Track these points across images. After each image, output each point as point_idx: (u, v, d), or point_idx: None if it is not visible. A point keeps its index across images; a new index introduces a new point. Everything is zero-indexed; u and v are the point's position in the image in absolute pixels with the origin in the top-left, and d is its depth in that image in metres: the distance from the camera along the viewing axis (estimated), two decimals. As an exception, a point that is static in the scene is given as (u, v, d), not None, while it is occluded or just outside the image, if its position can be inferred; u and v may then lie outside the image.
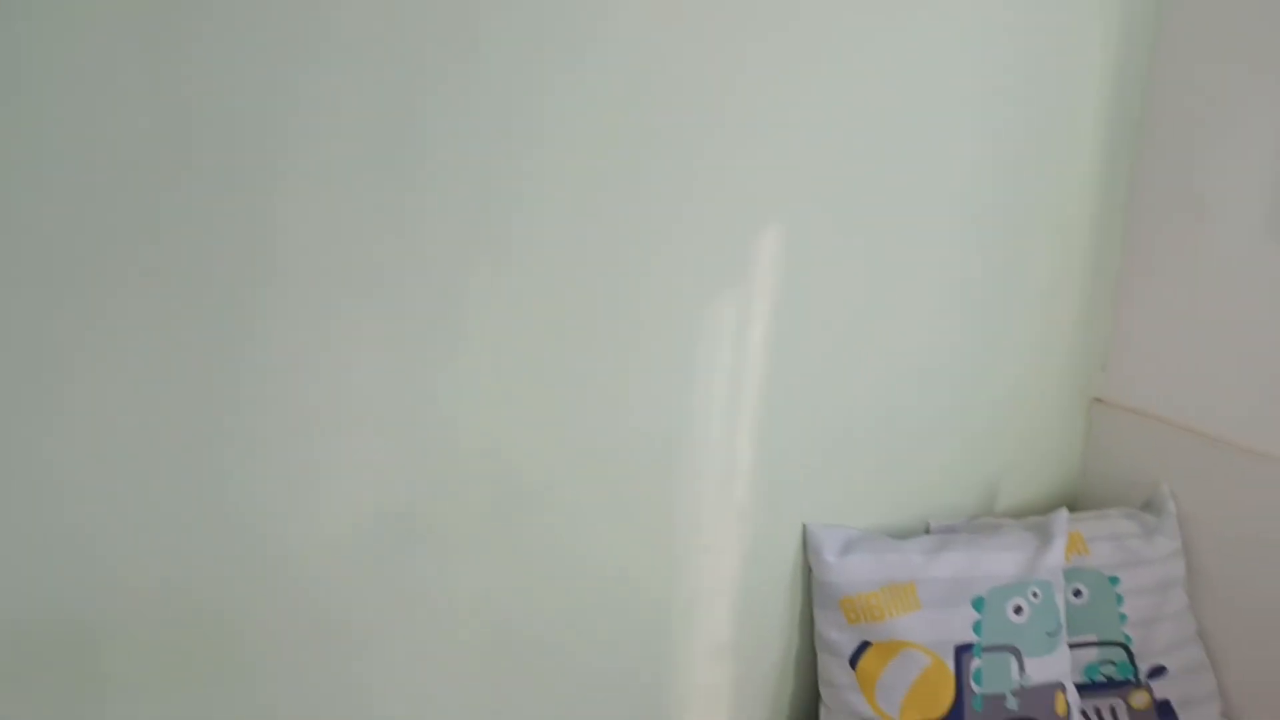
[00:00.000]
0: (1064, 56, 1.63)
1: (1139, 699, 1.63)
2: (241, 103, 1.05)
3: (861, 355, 1.56)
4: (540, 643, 1.39)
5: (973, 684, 1.50)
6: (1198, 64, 1.67)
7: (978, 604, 1.53)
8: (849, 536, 1.57)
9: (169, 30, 1.01)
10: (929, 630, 1.51)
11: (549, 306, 1.28)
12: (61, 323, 1.03)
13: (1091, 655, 1.63)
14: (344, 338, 1.17)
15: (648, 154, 1.29)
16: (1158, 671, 1.64)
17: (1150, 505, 1.75)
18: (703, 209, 1.36)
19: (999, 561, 1.55)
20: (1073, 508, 1.79)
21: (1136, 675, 1.63)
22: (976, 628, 1.52)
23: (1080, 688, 1.62)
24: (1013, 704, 1.51)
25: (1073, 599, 1.63)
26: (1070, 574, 1.63)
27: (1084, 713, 1.61)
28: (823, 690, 1.57)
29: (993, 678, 1.51)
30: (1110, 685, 1.63)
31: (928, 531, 1.67)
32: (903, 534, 1.63)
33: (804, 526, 1.56)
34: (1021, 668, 1.52)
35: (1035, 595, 1.55)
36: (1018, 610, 1.54)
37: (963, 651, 1.51)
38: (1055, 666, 1.54)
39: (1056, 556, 1.57)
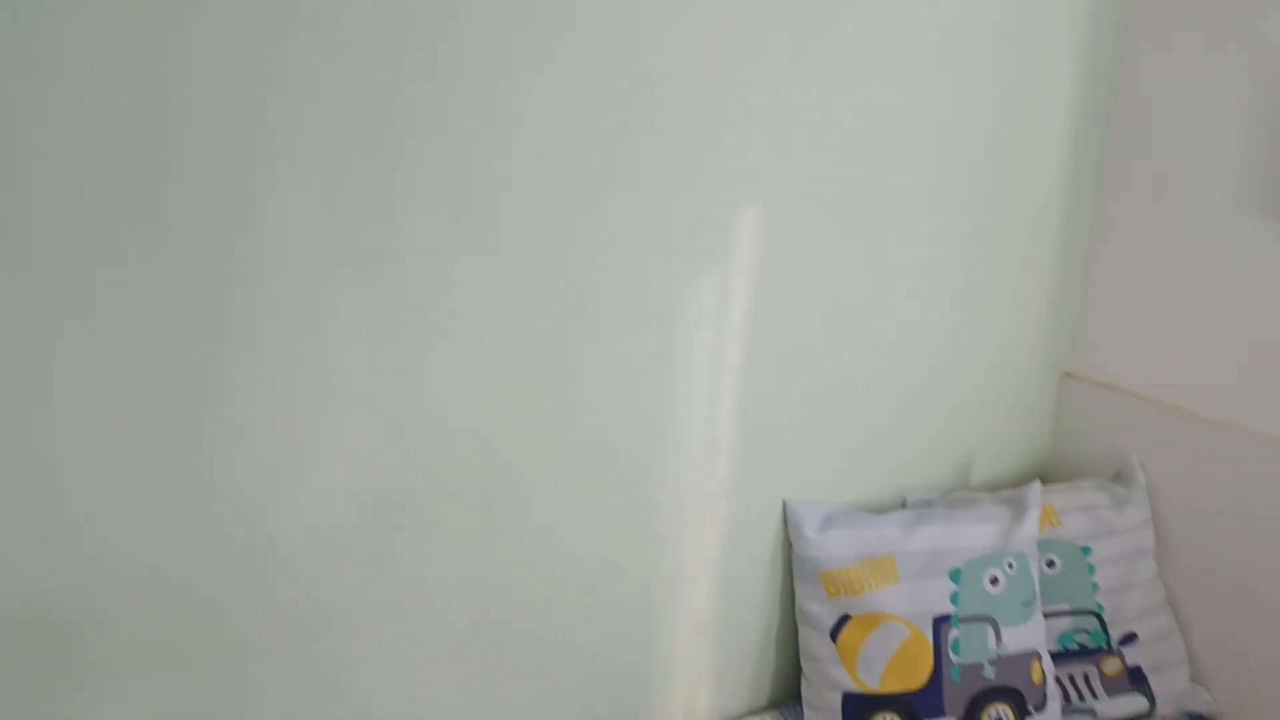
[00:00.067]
0: (1033, 41, 1.65)
1: (1111, 665, 1.66)
2: (223, 86, 1.05)
3: (840, 335, 1.57)
4: (525, 623, 1.40)
5: (951, 654, 1.53)
6: (1163, 45, 1.69)
7: (955, 576, 1.55)
8: (828, 512, 1.59)
9: (149, 11, 1.00)
10: (908, 602, 1.53)
11: (533, 290, 1.28)
12: (44, 311, 1.02)
13: (1065, 624, 1.66)
14: (329, 325, 1.17)
15: (628, 137, 1.30)
16: (1129, 639, 1.67)
17: (1120, 477, 1.78)
18: (683, 190, 1.36)
19: (975, 534, 1.58)
20: (1045, 480, 1.81)
21: (1109, 642, 1.67)
22: (954, 599, 1.55)
23: (1055, 656, 1.65)
24: (990, 673, 1.54)
25: (1046, 569, 1.66)
26: (1044, 545, 1.66)
27: (1059, 680, 1.64)
28: (804, 663, 1.59)
29: (970, 648, 1.54)
30: (1084, 653, 1.66)
31: (905, 506, 1.69)
32: (881, 509, 1.65)
33: (784, 503, 1.58)
34: (998, 637, 1.55)
35: (1010, 566, 1.58)
36: (994, 581, 1.57)
37: (941, 622, 1.54)
38: (1031, 636, 1.58)
39: (1031, 528, 1.60)
